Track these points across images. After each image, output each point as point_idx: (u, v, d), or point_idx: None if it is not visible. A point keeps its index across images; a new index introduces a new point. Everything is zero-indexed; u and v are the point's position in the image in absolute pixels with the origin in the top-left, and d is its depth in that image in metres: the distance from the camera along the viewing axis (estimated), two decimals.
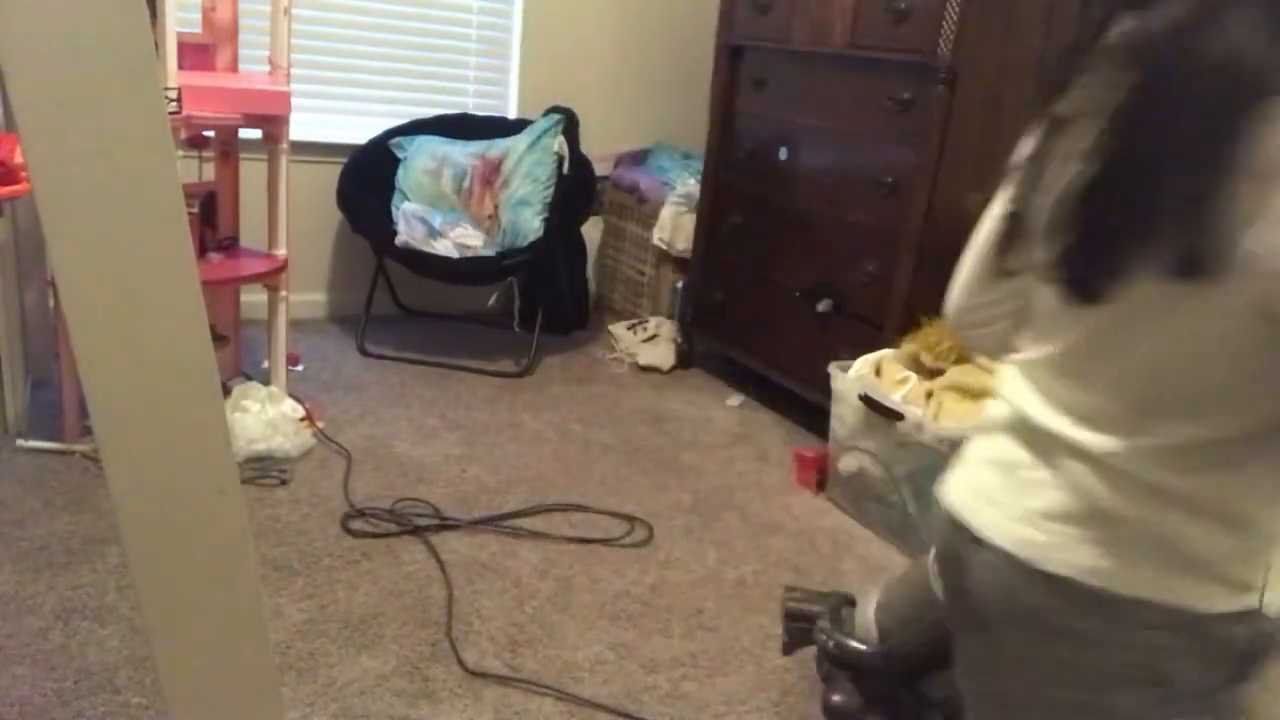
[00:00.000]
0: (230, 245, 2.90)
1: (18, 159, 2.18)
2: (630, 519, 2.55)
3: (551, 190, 3.54)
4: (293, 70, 2.76)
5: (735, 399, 3.47)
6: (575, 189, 3.62)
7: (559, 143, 3.58)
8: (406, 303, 3.88)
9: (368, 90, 3.82)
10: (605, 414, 3.23)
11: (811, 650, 1.97)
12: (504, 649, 1.99)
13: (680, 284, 3.79)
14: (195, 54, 2.78)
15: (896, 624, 1.81)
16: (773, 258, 3.28)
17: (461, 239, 3.50)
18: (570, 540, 2.43)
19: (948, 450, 2.37)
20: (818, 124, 3.10)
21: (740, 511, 2.68)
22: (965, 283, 1.15)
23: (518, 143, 3.64)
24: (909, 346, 2.69)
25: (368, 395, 3.16)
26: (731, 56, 3.41)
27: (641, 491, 2.72)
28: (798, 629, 2.01)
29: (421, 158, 3.66)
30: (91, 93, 0.71)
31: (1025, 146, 1.03)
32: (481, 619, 2.08)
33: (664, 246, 3.78)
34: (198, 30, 2.84)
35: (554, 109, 3.67)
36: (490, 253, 3.51)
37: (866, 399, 2.57)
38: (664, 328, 3.81)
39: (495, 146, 3.67)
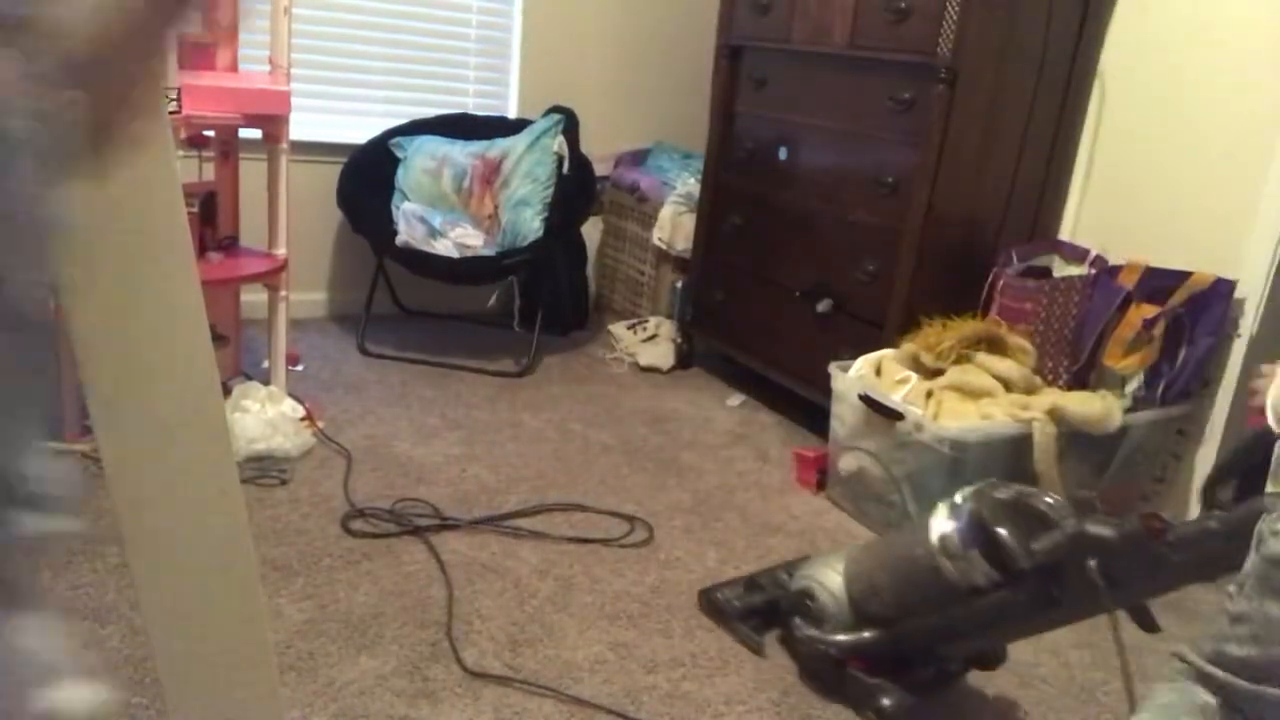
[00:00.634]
0: (230, 245, 2.90)
1: None
2: (630, 519, 2.55)
3: (551, 190, 3.54)
4: (293, 70, 2.76)
5: (735, 399, 3.47)
6: (575, 189, 3.62)
7: (559, 143, 3.58)
8: (406, 303, 3.88)
9: (368, 90, 3.82)
10: (605, 414, 3.23)
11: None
12: (504, 649, 1.99)
13: (680, 284, 3.79)
14: (195, 54, 2.78)
15: (872, 591, 1.85)
16: (773, 258, 3.28)
17: (461, 239, 3.50)
18: (570, 540, 2.43)
19: (948, 450, 2.37)
20: (818, 124, 3.10)
21: (740, 511, 2.68)
22: None
23: (518, 143, 3.64)
24: (909, 346, 2.69)
25: (368, 395, 3.16)
26: (731, 56, 3.41)
27: (641, 491, 2.72)
28: (752, 625, 2.08)
29: (421, 158, 3.66)
30: None
31: None
32: (481, 619, 2.08)
33: (664, 246, 3.78)
34: (198, 30, 2.84)
35: (554, 109, 3.67)
36: (490, 253, 3.51)
37: (866, 399, 2.57)
38: (664, 328, 3.81)
39: (495, 146, 3.67)
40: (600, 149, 3.89)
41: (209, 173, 2.92)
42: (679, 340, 3.74)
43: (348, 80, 3.78)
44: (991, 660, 1.95)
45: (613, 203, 4.13)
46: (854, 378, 2.69)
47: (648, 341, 3.78)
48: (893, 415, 2.50)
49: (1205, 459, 2.68)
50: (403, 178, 3.65)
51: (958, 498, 1.73)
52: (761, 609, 2.14)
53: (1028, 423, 2.40)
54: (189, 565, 0.83)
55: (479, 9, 3.91)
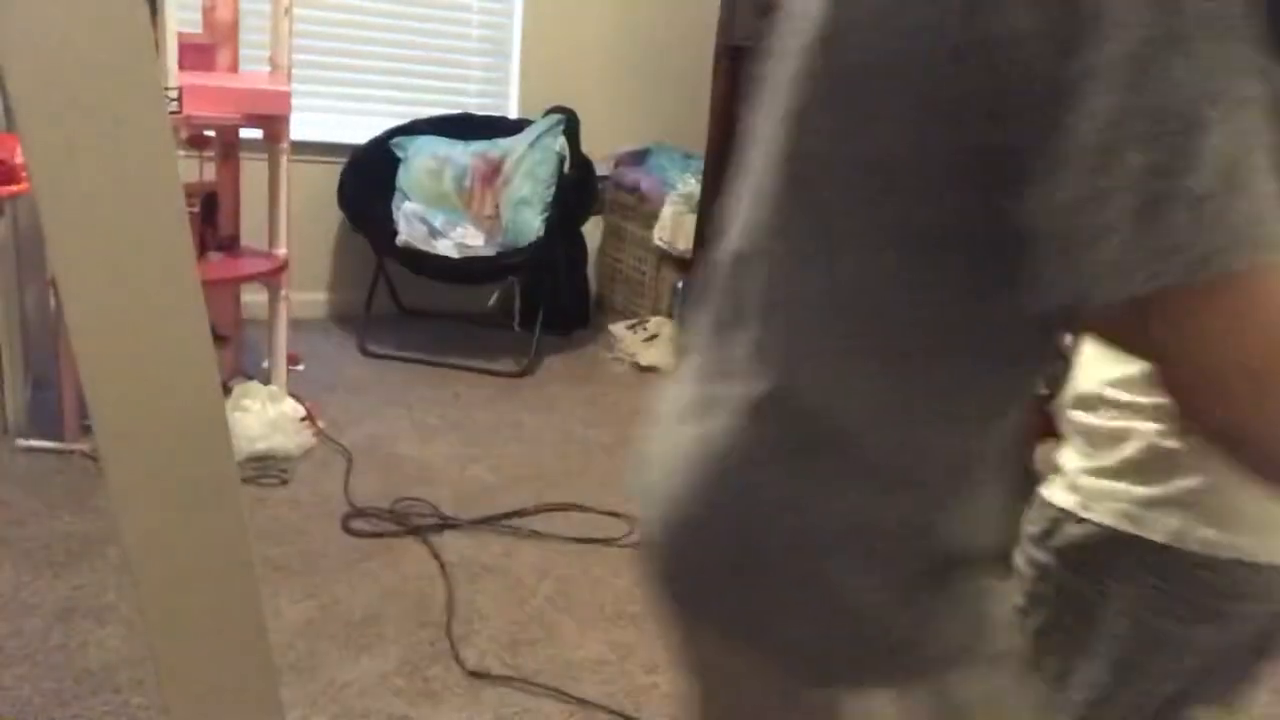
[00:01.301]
0: (230, 245, 2.90)
1: (18, 159, 2.18)
2: (630, 519, 2.55)
3: (552, 190, 3.54)
4: (293, 70, 2.76)
5: None
6: (576, 189, 3.61)
7: (560, 143, 3.58)
8: (407, 302, 3.88)
9: (368, 90, 3.82)
10: (605, 414, 3.23)
11: None
12: (504, 649, 1.99)
13: (681, 284, 3.79)
14: (195, 53, 2.78)
15: None
16: None
17: (462, 239, 3.50)
18: (570, 540, 2.43)
19: None
20: None
21: None
22: None
23: (518, 142, 3.64)
24: None
25: (368, 395, 3.16)
26: (732, 57, 3.40)
27: None
28: None
29: (422, 157, 3.66)
30: (91, 93, 0.71)
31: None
32: (481, 619, 2.08)
33: (665, 246, 3.78)
34: (198, 30, 2.84)
35: (555, 109, 3.67)
36: (491, 252, 3.51)
37: None
38: (664, 328, 3.81)
39: (496, 146, 3.67)
40: (600, 149, 3.89)
41: (209, 173, 2.92)
42: (679, 340, 3.74)
43: (348, 80, 3.78)
44: None
45: (613, 203, 4.13)
46: None
47: (648, 341, 3.78)
48: None
49: None
50: (403, 178, 3.65)
51: None
52: None
53: None
54: (189, 565, 0.83)
55: (479, 9, 3.91)
